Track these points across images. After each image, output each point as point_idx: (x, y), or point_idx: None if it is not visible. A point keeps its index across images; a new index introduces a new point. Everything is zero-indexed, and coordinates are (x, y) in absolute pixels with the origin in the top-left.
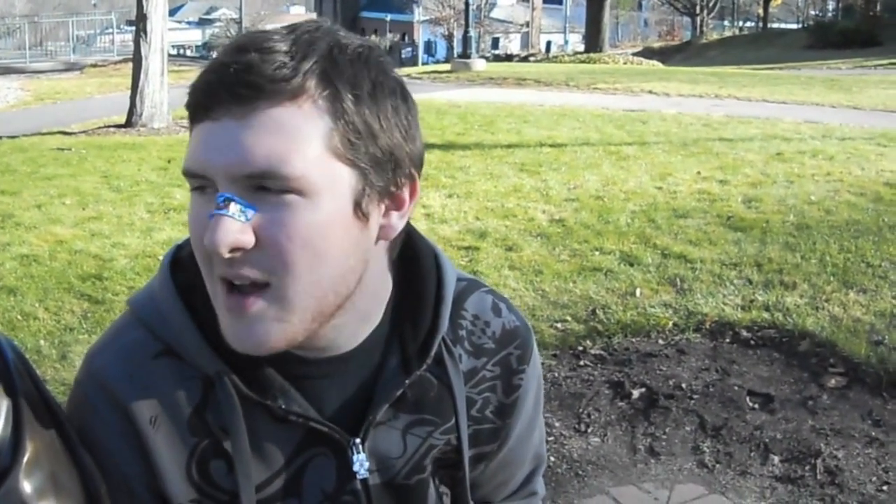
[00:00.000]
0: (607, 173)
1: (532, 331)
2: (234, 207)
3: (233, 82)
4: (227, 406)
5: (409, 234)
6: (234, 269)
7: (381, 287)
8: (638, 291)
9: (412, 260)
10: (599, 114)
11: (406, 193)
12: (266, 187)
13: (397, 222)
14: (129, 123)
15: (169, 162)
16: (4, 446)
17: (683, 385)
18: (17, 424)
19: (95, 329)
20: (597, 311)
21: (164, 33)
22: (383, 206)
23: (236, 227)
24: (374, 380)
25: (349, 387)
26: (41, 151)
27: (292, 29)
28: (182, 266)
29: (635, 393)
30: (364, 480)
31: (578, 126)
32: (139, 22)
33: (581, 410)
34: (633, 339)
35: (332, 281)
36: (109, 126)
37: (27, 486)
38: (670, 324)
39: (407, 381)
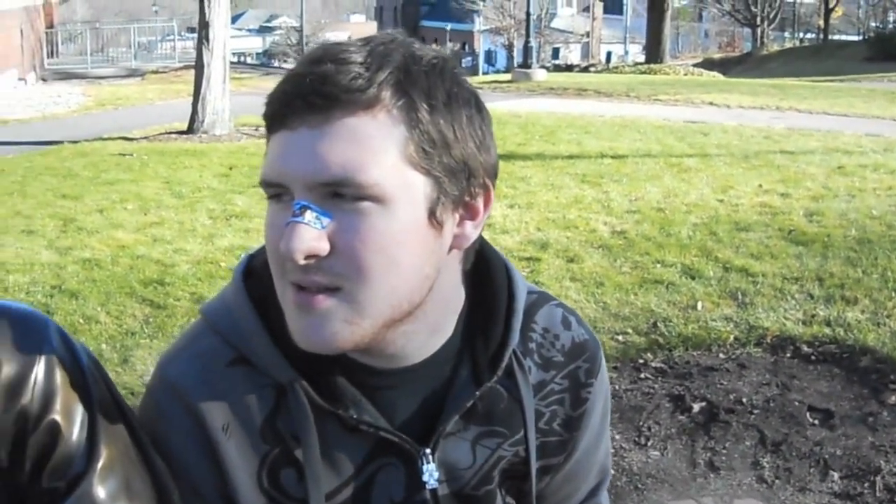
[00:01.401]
0: (669, 185)
1: (601, 345)
2: (309, 215)
3: (308, 92)
4: (299, 414)
5: (482, 246)
6: (307, 275)
7: (453, 298)
8: (699, 305)
9: (484, 272)
10: (660, 125)
11: (480, 203)
12: (341, 195)
13: (471, 232)
14: (190, 130)
15: (230, 169)
16: (79, 452)
17: (744, 399)
18: (92, 430)
19: (157, 334)
20: (658, 323)
21: (227, 41)
22: (457, 216)
23: (312, 235)
24: (444, 391)
25: (420, 397)
26: (103, 157)
27: (367, 41)
28: (255, 275)
29: (696, 407)
30: (433, 490)
31: (639, 137)
32: (201, 29)
33: (641, 423)
34: (694, 353)
35: (406, 288)
36: (171, 132)
37: (101, 492)
38: (731, 338)
39: (478, 393)
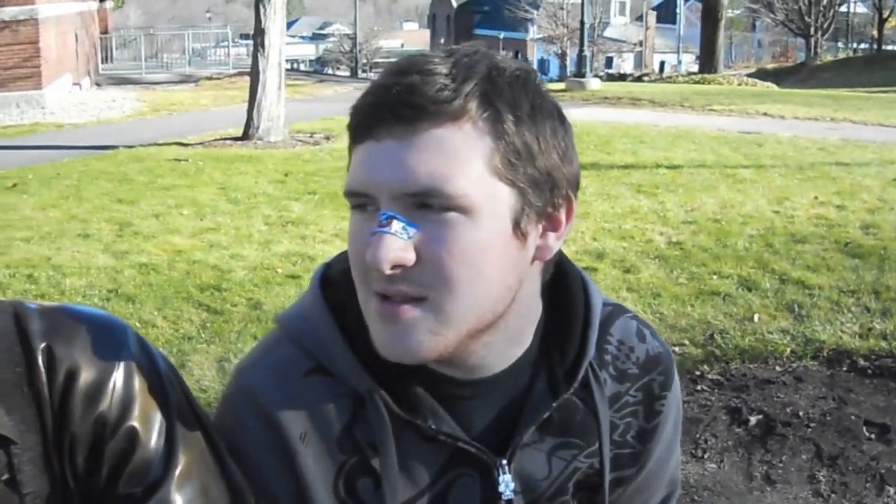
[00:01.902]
0: (724, 196)
1: (673, 358)
2: (396, 225)
3: (395, 103)
4: (377, 424)
5: (559, 258)
6: (393, 285)
7: (532, 309)
8: (756, 317)
9: (561, 284)
10: (715, 135)
11: (563, 215)
12: (428, 205)
13: (554, 243)
14: (245, 136)
15: (286, 175)
16: (157, 458)
17: (800, 413)
18: (170, 437)
19: (214, 339)
20: (715, 335)
21: (282, 48)
22: (540, 227)
23: (398, 245)
24: (521, 402)
25: (496, 408)
26: (158, 162)
27: (451, 52)
28: (332, 284)
29: (752, 419)
30: (509, 501)
31: (694, 148)
32: (257, 36)
33: (698, 436)
34: (751, 366)
35: (490, 298)
36: (226, 138)
37: (179, 499)
38: (788, 350)
39: (554, 404)
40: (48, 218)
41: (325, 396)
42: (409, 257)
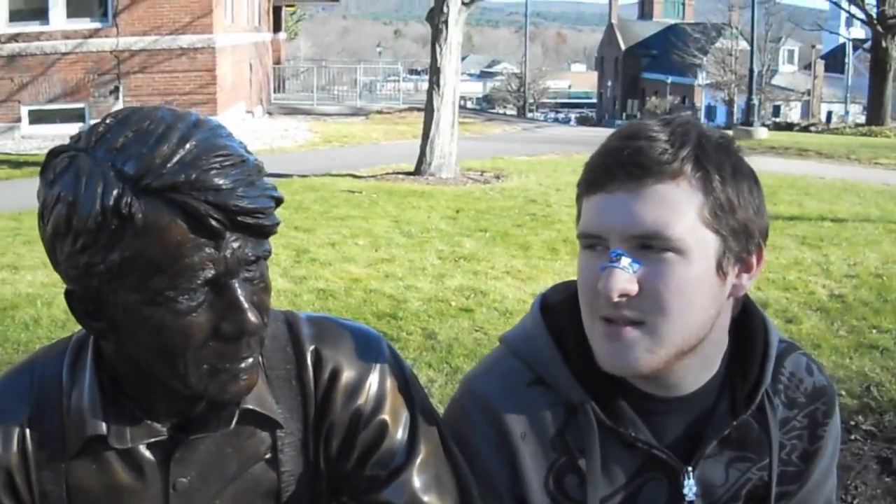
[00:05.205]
0: (887, 251)
1: (836, 392)
2: (624, 261)
3: (626, 162)
4: (586, 430)
5: (745, 298)
6: (617, 310)
7: (723, 338)
8: None
9: (745, 320)
10: (880, 190)
11: (754, 259)
12: (649, 246)
13: (746, 283)
14: (417, 171)
15: (457, 212)
16: (401, 447)
17: None
18: (413, 429)
19: None
20: (871, 387)
21: (457, 87)
22: (737, 269)
23: (625, 277)
24: (706, 419)
25: (685, 423)
26: (332, 192)
27: (667, 122)
28: (551, 311)
29: None
30: (691, 503)
31: (859, 201)
32: (433, 75)
33: (849, 483)
34: None
35: (696, 324)
36: (398, 172)
37: (417, 482)
38: None
39: (734, 423)
40: None
41: (543, 404)
42: (634, 288)
